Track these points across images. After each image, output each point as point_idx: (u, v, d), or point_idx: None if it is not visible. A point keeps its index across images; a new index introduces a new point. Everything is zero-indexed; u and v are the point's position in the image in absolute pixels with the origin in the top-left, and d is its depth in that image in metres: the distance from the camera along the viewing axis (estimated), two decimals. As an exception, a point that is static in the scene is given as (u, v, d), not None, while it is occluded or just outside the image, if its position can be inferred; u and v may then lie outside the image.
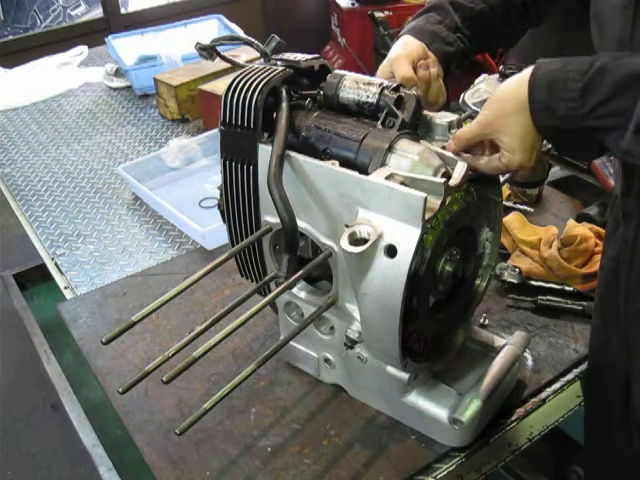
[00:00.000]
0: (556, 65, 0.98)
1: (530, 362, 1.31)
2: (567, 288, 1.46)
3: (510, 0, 1.30)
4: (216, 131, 2.06)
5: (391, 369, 1.15)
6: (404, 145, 1.06)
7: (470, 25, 1.28)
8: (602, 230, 1.52)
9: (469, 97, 1.84)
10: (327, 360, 1.25)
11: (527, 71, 1.00)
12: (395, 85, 1.11)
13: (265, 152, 1.08)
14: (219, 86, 2.24)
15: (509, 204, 1.66)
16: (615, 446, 1.28)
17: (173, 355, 0.91)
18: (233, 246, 1.23)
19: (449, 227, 1.05)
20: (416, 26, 1.27)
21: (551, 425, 1.29)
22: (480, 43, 1.32)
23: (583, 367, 1.32)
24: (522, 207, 1.66)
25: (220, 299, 1.54)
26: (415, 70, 1.18)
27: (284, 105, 1.09)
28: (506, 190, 1.73)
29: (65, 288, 1.69)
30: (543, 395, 1.26)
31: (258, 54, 1.29)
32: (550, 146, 1.71)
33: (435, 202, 1.00)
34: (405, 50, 1.20)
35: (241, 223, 1.20)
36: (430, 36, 1.24)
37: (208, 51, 1.31)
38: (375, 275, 1.02)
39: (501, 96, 1.04)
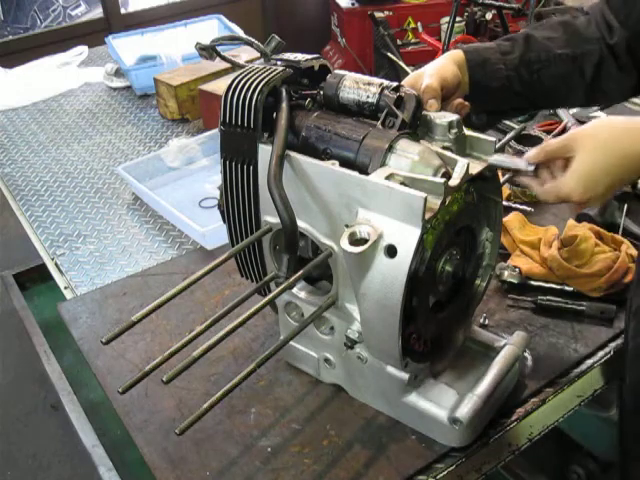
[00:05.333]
0: None
1: (530, 362, 1.31)
2: (567, 288, 1.45)
3: (608, 57, 1.20)
4: (216, 131, 2.06)
5: (391, 369, 1.15)
6: (404, 145, 1.06)
7: (539, 69, 1.21)
8: (602, 230, 1.52)
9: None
10: (327, 360, 1.25)
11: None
12: (395, 85, 1.11)
13: (265, 152, 1.08)
14: (219, 86, 2.24)
15: (509, 204, 1.66)
16: None
17: (173, 355, 0.91)
18: (233, 246, 1.23)
19: (449, 227, 1.06)
20: (478, 46, 1.24)
21: (551, 425, 1.29)
22: (543, 94, 1.25)
23: (583, 367, 1.32)
24: (522, 207, 1.66)
25: (220, 299, 1.54)
26: (444, 92, 1.17)
27: (284, 105, 1.09)
28: (506, 190, 1.73)
29: (65, 288, 1.69)
30: (543, 395, 1.26)
31: (258, 54, 1.30)
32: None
33: (435, 202, 1.00)
34: (438, 72, 1.18)
35: (241, 223, 1.20)
36: (479, 60, 1.21)
37: (208, 51, 1.31)
38: (375, 275, 1.02)
39: (605, 122, 1.03)
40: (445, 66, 1.20)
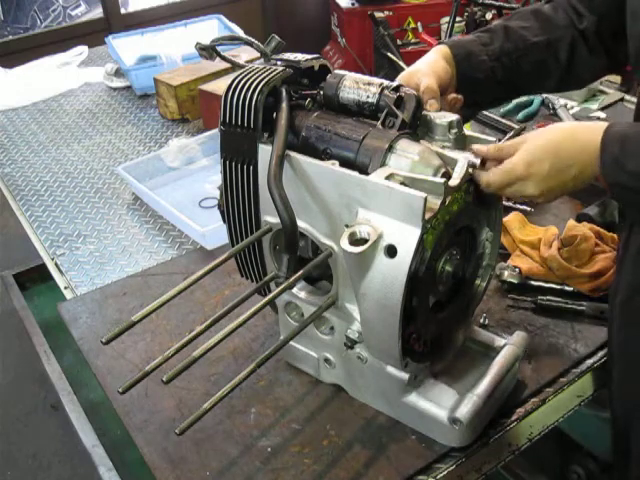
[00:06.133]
0: (630, 124, 1.01)
1: (530, 362, 1.31)
2: (567, 288, 1.45)
3: (579, 40, 1.26)
4: (216, 131, 2.06)
5: (391, 369, 1.15)
6: (404, 145, 1.06)
7: (518, 57, 1.25)
8: (602, 230, 1.52)
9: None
10: (327, 360, 1.25)
11: (599, 123, 1.02)
12: (395, 85, 1.11)
13: (265, 152, 1.08)
14: (219, 86, 2.24)
15: (509, 204, 1.66)
16: None
17: (173, 355, 0.91)
18: (233, 246, 1.23)
19: (449, 227, 1.05)
20: (460, 40, 1.27)
21: (551, 425, 1.29)
22: (521, 81, 1.30)
23: (583, 367, 1.32)
24: (522, 207, 1.66)
25: (220, 299, 1.54)
26: (440, 89, 1.19)
27: (284, 105, 1.09)
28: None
29: (65, 288, 1.69)
30: (543, 395, 1.26)
31: (258, 54, 1.30)
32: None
33: (435, 202, 1.00)
34: (432, 69, 1.20)
35: (241, 223, 1.20)
36: (464, 54, 1.24)
37: (208, 51, 1.32)
38: (375, 275, 1.02)
39: (556, 124, 1.06)
40: (437, 63, 1.22)
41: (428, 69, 1.20)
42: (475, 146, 1.08)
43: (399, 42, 3.95)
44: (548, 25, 1.27)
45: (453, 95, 1.22)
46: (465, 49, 1.25)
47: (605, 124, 1.01)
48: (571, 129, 1.05)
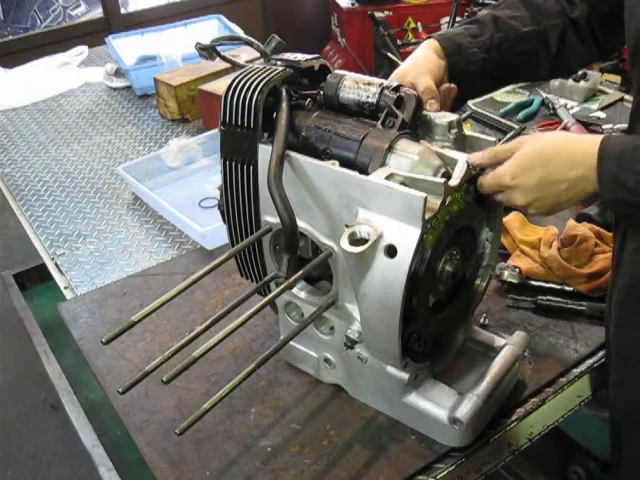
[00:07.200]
0: (625, 139, 1.00)
1: (530, 362, 1.31)
2: (567, 288, 1.45)
3: (570, 28, 1.26)
4: (216, 131, 2.06)
5: (391, 369, 1.15)
6: (404, 145, 1.06)
7: (509, 48, 1.25)
8: (602, 230, 1.52)
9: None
10: (327, 360, 1.25)
11: (592, 137, 1.01)
12: (395, 85, 1.11)
13: (265, 152, 1.08)
14: (219, 86, 2.24)
15: (509, 204, 1.66)
16: None
17: (173, 355, 0.91)
18: (233, 246, 1.23)
19: (449, 227, 1.06)
20: (449, 33, 1.27)
21: (551, 425, 1.29)
22: (511, 71, 1.29)
23: (583, 367, 1.32)
24: (522, 207, 1.66)
25: (220, 299, 1.54)
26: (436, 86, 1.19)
27: (284, 105, 1.09)
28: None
29: (65, 288, 1.69)
30: (543, 395, 1.26)
31: (258, 54, 1.30)
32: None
33: (435, 202, 1.00)
34: (427, 66, 1.21)
35: (241, 223, 1.20)
36: (454, 47, 1.24)
37: (208, 51, 1.31)
38: (375, 275, 1.02)
39: (554, 137, 1.06)
40: (430, 59, 1.22)
41: (423, 67, 1.20)
42: (470, 156, 1.06)
43: (399, 42, 3.95)
44: (538, 14, 1.27)
45: (446, 85, 1.22)
46: (454, 42, 1.24)
47: (599, 139, 1.00)
48: (564, 143, 1.03)
